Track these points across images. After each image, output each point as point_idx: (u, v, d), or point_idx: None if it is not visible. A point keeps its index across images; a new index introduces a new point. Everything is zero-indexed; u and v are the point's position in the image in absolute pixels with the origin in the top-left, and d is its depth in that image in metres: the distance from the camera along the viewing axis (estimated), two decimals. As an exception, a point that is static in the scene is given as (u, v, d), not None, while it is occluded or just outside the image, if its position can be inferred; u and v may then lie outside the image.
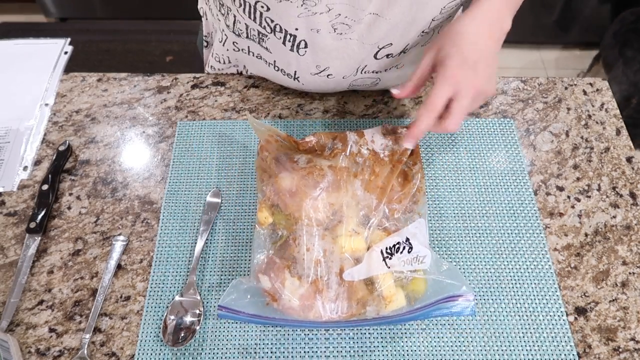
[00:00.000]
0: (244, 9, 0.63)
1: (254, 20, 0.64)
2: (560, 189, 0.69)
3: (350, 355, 0.57)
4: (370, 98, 0.78)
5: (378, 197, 0.59)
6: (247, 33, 0.68)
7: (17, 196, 0.68)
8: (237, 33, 0.70)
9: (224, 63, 0.81)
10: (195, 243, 0.64)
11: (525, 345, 0.58)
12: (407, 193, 0.60)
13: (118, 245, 0.64)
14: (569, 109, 0.77)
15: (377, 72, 0.71)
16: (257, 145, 0.72)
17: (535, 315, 0.60)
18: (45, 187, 0.67)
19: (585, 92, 0.79)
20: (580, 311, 0.60)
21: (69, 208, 0.67)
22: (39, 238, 0.64)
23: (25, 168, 0.71)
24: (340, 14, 0.59)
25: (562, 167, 0.71)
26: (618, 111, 0.77)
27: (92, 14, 2.06)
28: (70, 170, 0.71)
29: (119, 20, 2.08)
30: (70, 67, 0.82)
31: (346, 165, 0.61)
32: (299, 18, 0.60)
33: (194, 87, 0.79)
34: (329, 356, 0.57)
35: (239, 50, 0.74)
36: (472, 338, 0.58)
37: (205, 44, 0.88)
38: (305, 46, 0.65)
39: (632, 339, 0.59)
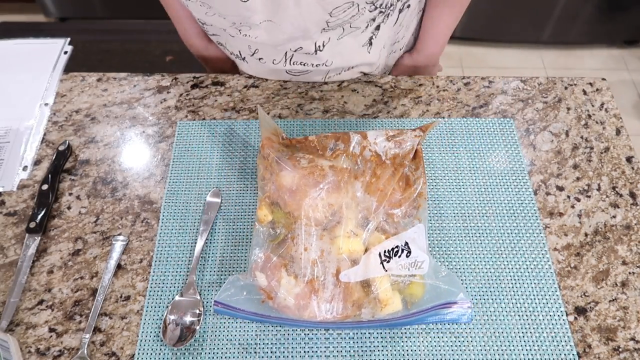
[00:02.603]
0: None
1: None
2: (560, 188, 0.69)
3: (350, 356, 0.57)
4: (370, 98, 0.78)
5: (378, 200, 0.59)
6: None
7: (17, 196, 0.68)
8: None
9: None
10: (195, 243, 0.64)
11: (525, 345, 0.58)
12: (407, 197, 0.60)
13: (118, 245, 0.64)
14: (568, 108, 0.77)
15: (304, 65, 0.75)
16: (259, 144, 0.72)
17: (535, 315, 0.60)
18: (45, 187, 0.67)
19: (585, 92, 0.79)
20: (580, 311, 0.60)
21: (69, 208, 0.67)
22: (39, 238, 0.64)
23: (25, 168, 0.71)
24: (234, 22, 0.67)
25: (562, 167, 0.71)
26: (618, 111, 0.77)
27: (92, 14, 2.06)
28: (70, 170, 0.71)
29: (119, 20, 2.08)
30: (70, 67, 0.82)
31: (347, 166, 0.61)
32: (207, 16, 0.67)
33: (193, 86, 0.79)
34: (329, 356, 0.57)
35: None
36: (472, 338, 0.58)
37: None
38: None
39: (632, 339, 0.59)
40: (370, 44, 0.74)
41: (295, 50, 0.71)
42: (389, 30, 0.75)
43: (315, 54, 0.72)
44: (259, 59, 0.75)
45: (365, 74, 0.80)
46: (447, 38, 0.84)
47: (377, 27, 0.72)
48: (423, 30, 0.83)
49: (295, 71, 0.77)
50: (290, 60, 0.74)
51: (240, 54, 0.77)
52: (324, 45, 0.71)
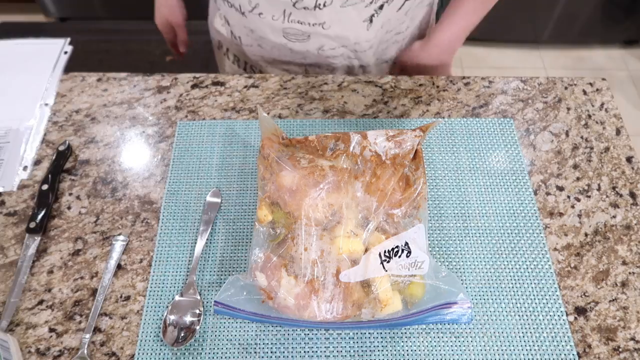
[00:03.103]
0: None
1: None
2: (560, 188, 0.69)
3: (350, 356, 0.57)
4: (370, 98, 0.78)
5: (378, 200, 0.59)
6: None
7: (17, 196, 0.68)
8: None
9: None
10: (195, 243, 0.64)
11: (525, 345, 0.58)
12: (407, 197, 0.60)
13: (118, 245, 0.64)
14: (568, 108, 0.77)
15: (301, 24, 0.75)
16: (259, 144, 0.72)
17: (535, 315, 0.60)
18: (45, 187, 0.67)
19: (585, 92, 0.79)
20: (580, 311, 0.60)
21: (69, 208, 0.67)
22: (39, 238, 0.64)
23: (25, 168, 0.71)
24: None
25: (562, 167, 0.71)
26: (618, 111, 0.77)
27: (92, 14, 2.06)
28: (70, 170, 0.71)
29: (119, 20, 2.08)
30: (70, 67, 0.82)
31: (347, 166, 0.61)
32: None
33: (193, 87, 0.79)
34: (329, 356, 0.57)
35: None
36: (472, 338, 0.58)
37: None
38: None
39: (632, 339, 0.59)
40: (371, 21, 0.75)
41: (295, 3, 0.72)
42: (392, 14, 0.76)
43: (314, 10, 0.72)
44: (259, 14, 0.76)
45: (355, 52, 0.80)
46: (465, 35, 0.83)
47: (381, 7, 0.73)
48: (442, 19, 0.82)
49: (293, 33, 0.77)
50: (289, 17, 0.75)
51: (240, 8, 0.78)
52: (324, 5, 0.72)
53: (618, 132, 0.75)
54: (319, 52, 0.80)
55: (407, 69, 0.87)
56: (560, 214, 0.67)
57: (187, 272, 0.62)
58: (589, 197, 0.69)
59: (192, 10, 0.99)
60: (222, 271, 0.63)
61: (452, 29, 0.81)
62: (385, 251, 0.56)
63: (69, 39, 0.86)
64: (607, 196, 0.69)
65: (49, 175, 0.68)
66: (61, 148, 0.71)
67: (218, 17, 0.87)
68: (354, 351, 0.57)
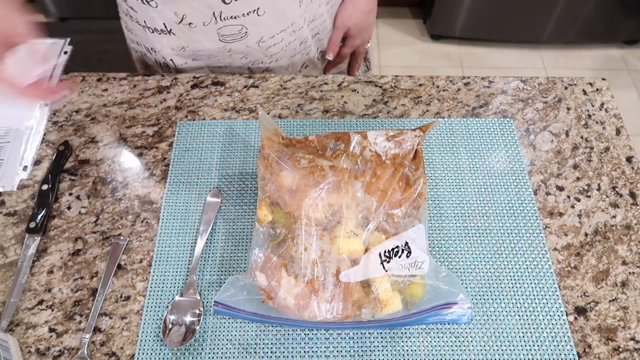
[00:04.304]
0: None
1: None
2: (560, 188, 0.69)
3: (350, 355, 0.57)
4: (370, 98, 0.78)
5: (378, 200, 0.59)
6: (119, 6, 0.77)
7: (17, 196, 0.68)
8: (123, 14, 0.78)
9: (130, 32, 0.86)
10: (195, 243, 0.64)
11: (525, 345, 0.58)
12: (407, 197, 0.60)
13: (118, 245, 0.64)
14: (568, 108, 0.77)
15: (235, 18, 0.74)
16: (259, 144, 0.72)
17: (535, 315, 0.60)
18: (45, 187, 0.67)
19: (585, 92, 0.79)
20: (580, 311, 0.60)
21: (69, 208, 0.67)
22: (39, 238, 0.64)
23: (25, 168, 0.71)
24: None
25: (562, 167, 0.71)
26: (618, 111, 0.77)
27: (92, 14, 2.06)
28: (70, 170, 0.71)
29: (119, 20, 2.08)
30: (70, 67, 0.82)
31: (347, 166, 0.61)
32: None
33: (193, 87, 0.79)
34: (329, 356, 0.57)
35: (126, 15, 0.81)
36: (472, 338, 0.58)
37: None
38: None
39: (632, 339, 0.59)
40: None
41: None
42: None
43: None
44: (189, 24, 0.74)
45: (294, 32, 0.81)
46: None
47: None
48: None
49: (229, 33, 0.76)
50: (221, 16, 0.73)
51: (166, 27, 0.76)
52: None
53: (618, 132, 0.75)
54: (259, 45, 0.79)
55: (350, 30, 0.88)
56: (560, 214, 0.67)
57: (187, 272, 0.62)
58: (589, 197, 0.69)
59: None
60: (222, 271, 0.63)
61: None
62: (385, 251, 0.56)
63: (69, 39, 0.86)
64: (607, 196, 0.69)
65: (49, 175, 0.68)
66: (61, 148, 0.71)
67: (135, 47, 0.86)
68: (354, 351, 0.57)
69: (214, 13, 0.73)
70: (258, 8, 0.73)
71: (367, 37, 0.91)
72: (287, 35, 0.79)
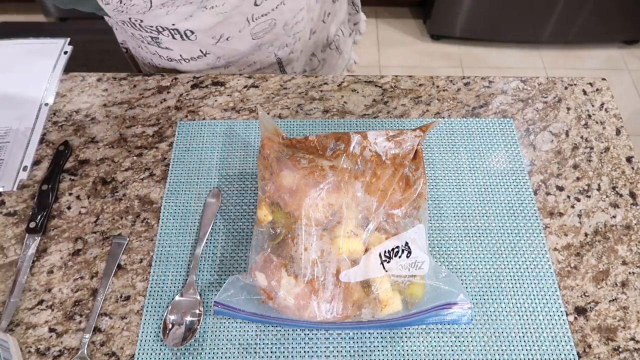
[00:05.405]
0: (125, 24, 0.73)
1: (138, 29, 0.73)
2: (560, 188, 0.69)
3: (350, 356, 0.57)
4: (370, 98, 0.78)
5: (378, 200, 0.59)
6: (142, 40, 0.77)
7: (17, 196, 0.68)
8: (140, 41, 0.78)
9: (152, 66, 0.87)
10: (195, 243, 0.64)
11: (525, 345, 0.58)
12: (407, 198, 0.60)
13: (118, 245, 0.64)
14: (568, 108, 0.77)
15: (266, 14, 0.76)
16: (259, 144, 0.72)
17: (535, 315, 0.60)
18: (45, 187, 0.67)
19: (585, 92, 0.79)
20: (580, 311, 0.60)
21: (69, 208, 0.67)
22: (39, 238, 0.64)
23: (25, 168, 0.71)
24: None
25: (562, 167, 0.71)
26: (618, 111, 0.77)
27: (92, 13, 2.06)
28: (70, 170, 0.71)
29: (119, 21, 2.08)
30: (70, 67, 0.82)
31: (347, 166, 0.61)
32: (168, 15, 0.69)
33: (193, 87, 0.79)
34: (329, 356, 0.57)
35: (153, 54, 0.82)
36: (472, 338, 0.58)
37: (124, 50, 0.93)
38: (192, 32, 0.74)
39: (632, 339, 0.59)
40: None
41: (256, 1, 0.73)
42: None
43: None
44: (226, 38, 0.77)
45: (309, 8, 0.82)
46: None
47: None
48: None
49: (261, 29, 0.78)
50: (252, 17, 0.75)
51: (202, 51, 0.78)
52: None
53: (618, 132, 0.75)
54: (284, 29, 0.81)
55: None
56: (560, 214, 0.67)
57: (187, 272, 0.62)
58: (589, 197, 0.69)
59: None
60: (222, 271, 0.63)
61: None
62: (385, 251, 0.56)
63: (69, 39, 0.86)
64: (607, 196, 0.69)
65: (49, 175, 0.68)
66: (61, 148, 0.71)
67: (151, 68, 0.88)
68: (354, 351, 0.57)
69: (247, 18, 0.75)
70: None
71: None
72: (305, 12, 0.82)
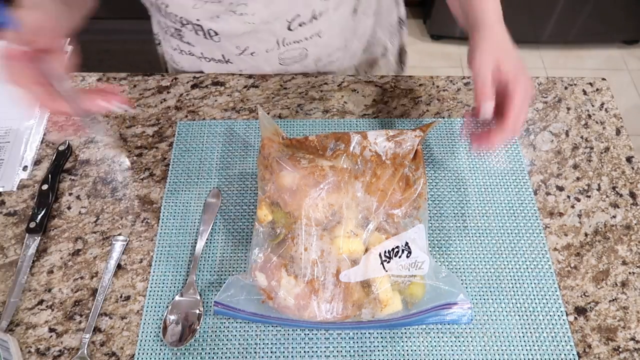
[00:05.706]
0: (151, 4, 0.71)
1: (163, 15, 0.71)
2: (560, 188, 0.69)
3: (350, 356, 0.57)
4: (370, 98, 0.78)
5: (378, 200, 0.59)
6: (166, 31, 0.77)
7: (17, 196, 0.68)
8: (164, 31, 0.77)
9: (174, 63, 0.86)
10: (195, 243, 0.64)
11: (525, 345, 0.58)
12: (407, 198, 0.60)
13: (118, 245, 0.64)
14: (568, 108, 0.77)
15: (298, 42, 0.75)
16: (259, 144, 0.72)
17: (535, 315, 0.60)
18: (45, 187, 0.67)
19: (585, 92, 0.79)
20: (580, 311, 0.60)
21: (69, 208, 0.67)
22: (39, 238, 0.64)
23: (25, 168, 0.71)
24: (231, 2, 0.66)
25: (562, 167, 0.71)
26: (618, 111, 0.77)
27: (92, 14, 2.06)
28: (70, 170, 0.71)
29: (119, 20, 2.08)
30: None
31: (347, 166, 0.61)
32: (195, 9, 0.67)
33: (193, 87, 0.79)
34: (329, 356, 0.57)
35: (174, 49, 0.80)
36: (472, 338, 0.58)
37: (157, 41, 0.92)
38: (216, 34, 0.72)
39: (632, 339, 0.59)
40: (355, 11, 0.77)
41: (291, 21, 0.71)
42: None
43: (311, 22, 0.72)
44: (251, 53, 0.75)
45: (345, 47, 0.81)
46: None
47: None
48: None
49: (290, 56, 0.77)
50: (283, 42, 0.74)
51: (224, 57, 0.77)
52: (320, 14, 0.72)
53: (618, 132, 0.75)
54: (316, 65, 0.80)
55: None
56: (560, 214, 0.67)
57: (187, 272, 0.62)
58: (589, 197, 0.69)
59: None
60: (222, 271, 0.63)
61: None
62: (385, 251, 0.56)
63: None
64: (607, 196, 0.69)
65: (49, 175, 0.68)
66: (61, 148, 0.71)
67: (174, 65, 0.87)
68: (354, 351, 0.57)
69: (277, 40, 0.73)
70: (320, 30, 0.74)
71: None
72: (342, 52, 0.81)
